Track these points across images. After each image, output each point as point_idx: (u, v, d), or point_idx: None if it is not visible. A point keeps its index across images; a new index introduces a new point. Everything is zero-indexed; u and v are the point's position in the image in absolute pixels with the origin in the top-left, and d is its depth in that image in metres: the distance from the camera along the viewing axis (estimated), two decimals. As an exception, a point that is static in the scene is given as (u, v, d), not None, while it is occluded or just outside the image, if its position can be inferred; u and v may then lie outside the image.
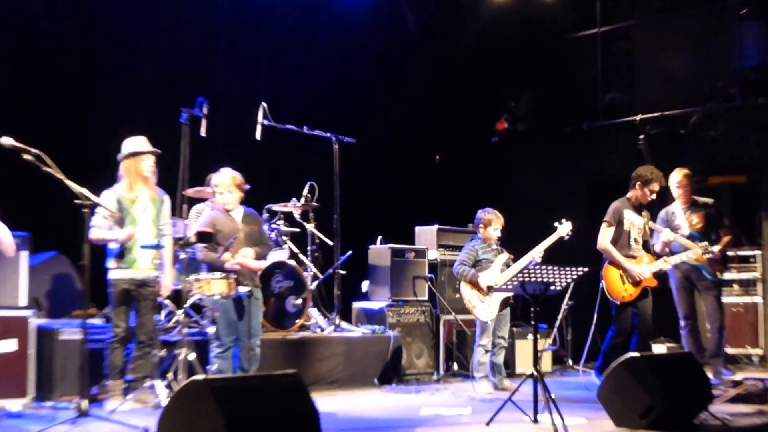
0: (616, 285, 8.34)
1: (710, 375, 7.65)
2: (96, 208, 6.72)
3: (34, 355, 7.19)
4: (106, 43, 9.64)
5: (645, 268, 8.35)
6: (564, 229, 8.25)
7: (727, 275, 10.51)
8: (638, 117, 11.67)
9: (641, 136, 11.52)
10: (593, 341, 8.79)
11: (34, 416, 6.60)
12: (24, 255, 7.40)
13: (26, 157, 5.99)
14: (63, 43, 9.36)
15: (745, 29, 10.88)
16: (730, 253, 10.32)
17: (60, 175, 6.05)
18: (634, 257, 8.40)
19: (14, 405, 6.90)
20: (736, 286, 10.84)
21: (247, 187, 7.68)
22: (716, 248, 8.55)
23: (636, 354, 6.29)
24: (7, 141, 5.99)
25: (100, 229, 6.97)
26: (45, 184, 6.09)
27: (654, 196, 8.58)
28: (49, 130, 8.35)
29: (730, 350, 10.09)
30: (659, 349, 9.85)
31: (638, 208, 8.53)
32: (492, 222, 8.50)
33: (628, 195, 8.60)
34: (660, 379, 5.92)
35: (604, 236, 8.44)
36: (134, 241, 7.08)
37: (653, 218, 8.66)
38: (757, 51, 10.80)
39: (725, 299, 9.94)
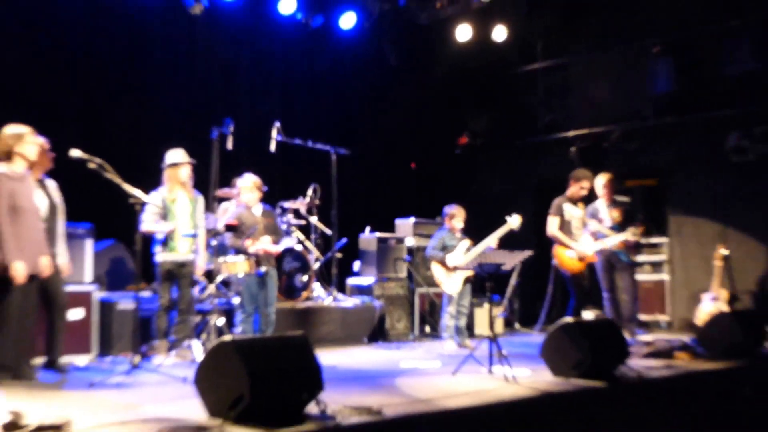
0: (566, 260, 8.43)
1: (627, 336, 7.71)
2: (146, 205, 6.74)
3: (97, 321, 7.23)
4: (154, 76, 9.60)
5: (588, 247, 8.44)
6: (514, 221, 8.26)
7: (640, 258, 10.60)
8: (571, 133, 11.73)
9: (573, 148, 11.58)
10: (548, 307, 8.84)
11: (96, 369, 6.64)
12: (89, 242, 7.40)
13: (91, 165, 6.02)
14: (119, 77, 9.33)
15: (656, 63, 10.93)
16: (642, 241, 10.40)
17: (118, 180, 6.08)
18: (575, 241, 8.49)
19: (81, 360, 6.95)
20: (647, 267, 10.93)
21: (265, 188, 7.72)
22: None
23: (570, 319, 6.35)
24: (76, 153, 6.00)
25: (148, 222, 7.01)
26: (106, 187, 6.11)
27: (585, 192, 8.65)
28: (110, 144, 8.32)
29: (643, 317, 10.16)
30: (588, 315, 9.86)
31: (575, 203, 8.61)
32: (456, 215, 8.55)
33: (567, 193, 8.67)
34: (588, 339, 5.95)
35: (552, 225, 8.53)
36: (175, 231, 7.12)
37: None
38: (666, 80, 10.83)
39: (639, 277, 10.03)
